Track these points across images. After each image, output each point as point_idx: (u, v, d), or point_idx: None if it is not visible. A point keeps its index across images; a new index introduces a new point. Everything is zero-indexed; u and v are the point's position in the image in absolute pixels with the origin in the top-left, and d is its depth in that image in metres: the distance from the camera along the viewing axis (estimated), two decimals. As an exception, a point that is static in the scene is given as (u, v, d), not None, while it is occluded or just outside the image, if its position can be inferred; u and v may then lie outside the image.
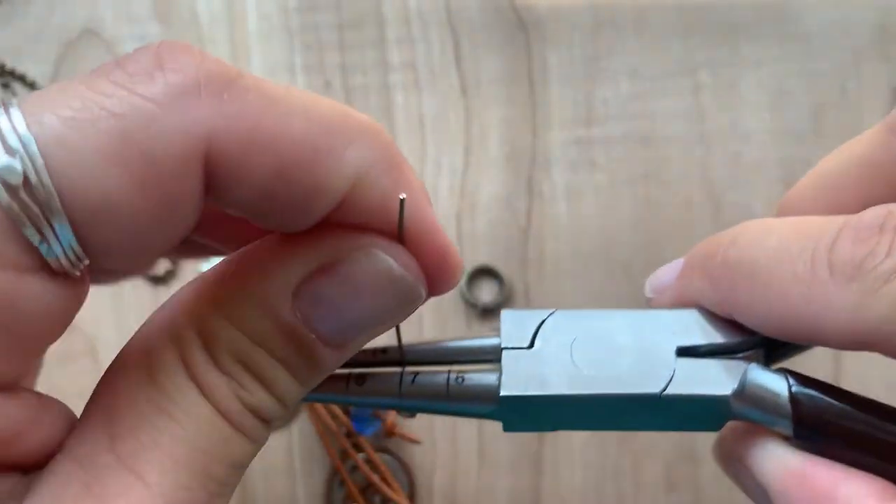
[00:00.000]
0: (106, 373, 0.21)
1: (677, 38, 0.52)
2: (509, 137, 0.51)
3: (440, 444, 0.47)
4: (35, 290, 0.17)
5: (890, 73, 0.51)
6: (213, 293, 0.21)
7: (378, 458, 0.46)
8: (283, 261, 0.21)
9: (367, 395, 0.23)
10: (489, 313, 0.49)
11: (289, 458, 0.47)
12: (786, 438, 0.22)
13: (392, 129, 0.51)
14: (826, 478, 0.21)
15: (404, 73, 0.52)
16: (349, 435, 0.46)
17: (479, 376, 0.23)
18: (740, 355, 0.23)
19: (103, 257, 0.18)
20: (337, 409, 0.46)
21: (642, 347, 0.23)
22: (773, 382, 0.22)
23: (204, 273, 0.21)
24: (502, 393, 0.22)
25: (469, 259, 0.50)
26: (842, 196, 0.25)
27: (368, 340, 0.23)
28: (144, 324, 0.21)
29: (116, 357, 0.21)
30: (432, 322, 0.49)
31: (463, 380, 0.23)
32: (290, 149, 0.19)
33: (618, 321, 0.23)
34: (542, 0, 0.52)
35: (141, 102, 0.17)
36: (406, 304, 0.22)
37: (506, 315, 0.24)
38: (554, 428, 0.24)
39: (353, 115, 0.20)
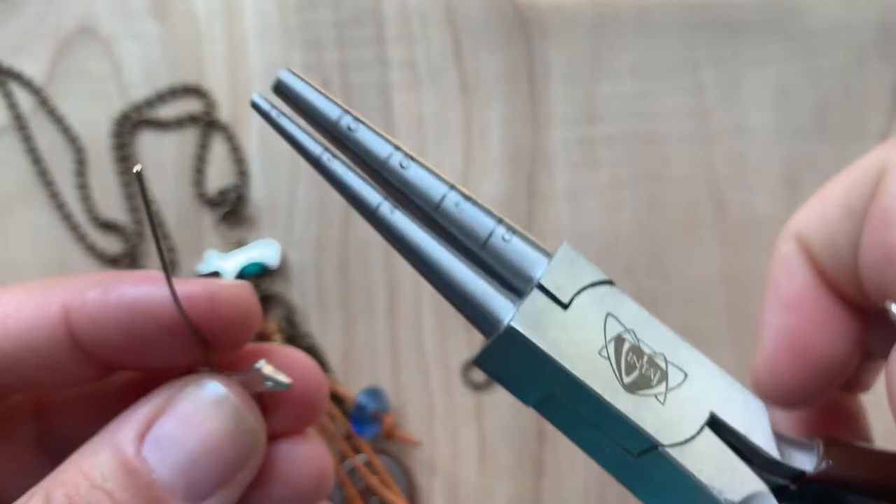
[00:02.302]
0: None
1: (679, 36, 0.51)
2: (509, 137, 0.51)
3: (440, 445, 0.47)
4: None
5: (893, 71, 0.51)
6: (83, 449, 0.21)
7: (377, 460, 0.46)
8: (136, 406, 0.21)
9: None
10: (489, 314, 0.48)
11: (287, 461, 0.47)
12: None
13: (392, 128, 0.51)
14: None
15: (404, 71, 0.51)
16: (348, 437, 0.46)
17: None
18: (756, 467, 0.20)
19: None
20: (335, 411, 0.46)
21: (680, 389, 0.20)
22: None
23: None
24: (512, 323, 0.19)
25: (469, 259, 0.49)
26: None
27: (225, 495, 0.21)
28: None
29: None
30: (432, 322, 0.48)
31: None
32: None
33: (670, 344, 0.20)
34: (543, -3, 0.52)
35: None
36: (240, 432, 0.21)
37: (564, 251, 0.20)
38: (521, 398, 0.21)
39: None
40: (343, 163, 0.20)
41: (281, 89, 0.20)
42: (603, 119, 0.51)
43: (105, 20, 0.52)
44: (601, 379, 0.19)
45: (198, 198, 0.50)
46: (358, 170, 0.20)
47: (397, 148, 0.20)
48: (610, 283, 0.20)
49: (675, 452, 0.19)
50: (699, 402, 0.20)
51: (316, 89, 0.20)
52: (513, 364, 0.20)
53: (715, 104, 0.51)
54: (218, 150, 0.51)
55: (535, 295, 0.19)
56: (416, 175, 0.20)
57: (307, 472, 0.23)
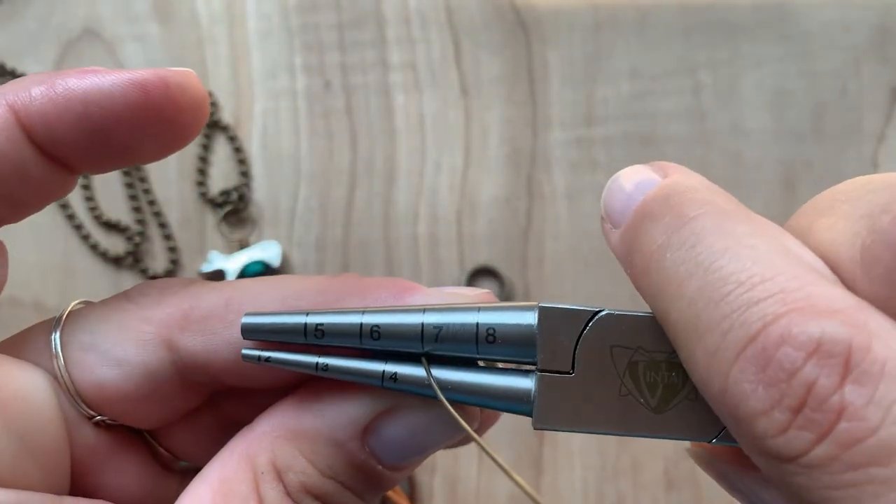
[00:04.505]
0: (189, 488, 0.21)
1: (678, 38, 0.52)
2: (509, 137, 0.51)
3: (440, 444, 0.47)
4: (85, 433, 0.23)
5: (889, 73, 0.51)
6: (290, 426, 0.22)
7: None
8: (354, 401, 0.22)
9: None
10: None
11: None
12: None
13: (392, 129, 0.51)
14: None
15: (404, 73, 0.52)
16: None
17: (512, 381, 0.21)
18: None
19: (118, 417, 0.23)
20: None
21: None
22: None
23: (282, 403, 0.22)
24: (535, 426, 0.20)
25: (469, 259, 0.50)
26: None
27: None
28: (226, 447, 0.22)
29: (199, 475, 0.22)
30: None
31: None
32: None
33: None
34: (542, 0, 0.52)
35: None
36: (461, 432, 0.23)
37: (543, 314, 0.20)
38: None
39: None
40: (336, 356, 0.21)
41: (247, 332, 0.21)
42: (601, 120, 0.51)
43: (108, 22, 0.52)
44: (632, 420, 0.20)
45: (200, 198, 0.50)
46: (351, 357, 0.22)
47: (362, 312, 0.21)
48: (597, 312, 0.20)
49: (724, 438, 0.19)
50: None
51: (273, 314, 0.21)
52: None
53: (712, 105, 0.51)
54: (220, 151, 0.51)
55: (540, 383, 0.20)
56: (390, 327, 0.21)
57: None
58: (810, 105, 0.51)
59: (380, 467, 0.22)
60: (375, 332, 0.21)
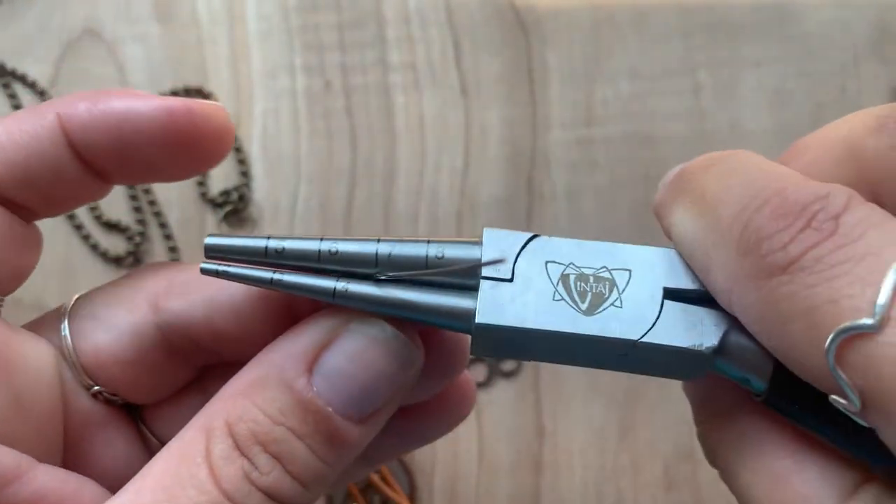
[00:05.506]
0: (158, 454, 0.22)
1: (677, 38, 0.52)
2: (509, 137, 0.51)
3: (440, 444, 0.47)
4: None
5: (889, 73, 0.51)
6: (243, 383, 0.23)
7: (378, 457, 0.46)
8: (299, 337, 0.23)
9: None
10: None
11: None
12: (755, 396, 0.22)
13: (392, 129, 0.51)
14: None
15: (404, 73, 0.52)
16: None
17: (454, 300, 0.23)
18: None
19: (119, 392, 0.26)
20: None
21: (630, 284, 0.23)
22: (753, 342, 0.22)
23: (239, 372, 0.23)
24: (478, 320, 0.22)
25: (469, 259, 0.50)
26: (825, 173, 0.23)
27: (384, 413, 0.24)
28: (198, 414, 0.23)
29: (168, 444, 0.22)
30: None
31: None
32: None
33: (606, 254, 0.23)
34: (542, 0, 0.52)
35: None
36: (406, 365, 0.23)
37: (488, 235, 0.23)
38: (525, 359, 0.24)
39: None
40: (291, 272, 0.23)
41: (211, 251, 0.23)
42: (601, 120, 0.51)
43: (109, 23, 0.52)
44: (565, 319, 0.22)
45: (200, 198, 0.51)
46: (304, 274, 0.24)
47: (321, 239, 0.23)
48: (536, 236, 0.23)
49: (649, 338, 0.22)
50: (650, 285, 0.23)
51: (236, 237, 0.23)
52: (499, 344, 0.23)
53: (712, 106, 0.51)
54: (220, 151, 0.51)
55: (484, 286, 0.23)
56: (347, 251, 0.23)
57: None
58: (810, 105, 0.51)
59: (329, 410, 0.22)
60: (333, 252, 0.23)
